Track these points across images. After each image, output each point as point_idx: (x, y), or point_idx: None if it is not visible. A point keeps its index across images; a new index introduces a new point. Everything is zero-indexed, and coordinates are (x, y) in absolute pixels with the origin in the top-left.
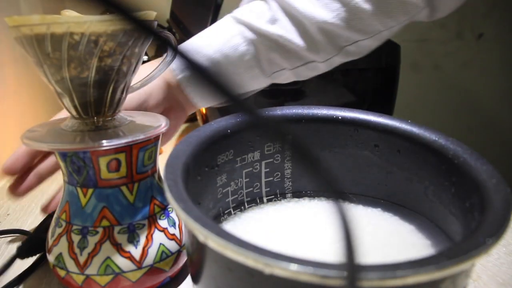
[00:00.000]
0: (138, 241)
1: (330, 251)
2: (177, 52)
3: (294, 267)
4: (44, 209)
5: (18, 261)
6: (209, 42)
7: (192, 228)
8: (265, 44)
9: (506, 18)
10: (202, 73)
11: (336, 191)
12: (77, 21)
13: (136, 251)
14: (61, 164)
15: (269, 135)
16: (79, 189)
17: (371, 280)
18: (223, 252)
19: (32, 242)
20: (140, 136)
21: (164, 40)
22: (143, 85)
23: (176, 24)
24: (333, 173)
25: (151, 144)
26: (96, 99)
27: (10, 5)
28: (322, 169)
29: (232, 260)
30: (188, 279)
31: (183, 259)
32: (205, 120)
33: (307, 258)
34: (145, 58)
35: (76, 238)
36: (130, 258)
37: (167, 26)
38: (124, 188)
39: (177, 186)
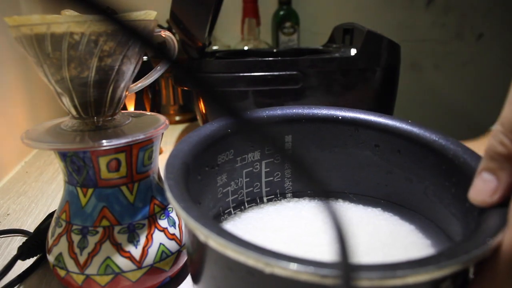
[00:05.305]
0: (138, 241)
1: (330, 251)
2: (172, 57)
3: (295, 266)
4: None
5: (18, 261)
6: None
7: (193, 227)
8: None
9: (506, 18)
10: (194, 77)
11: (326, 195)
12: (77, 21)
13: (136, 251)
14: (61, 164)
15: (259, 140)
16: (79, 189)
17: (371, 279)
18: (223, 251)
19: (33, 242)
20: (140, 136)
21: (158, 49)
22: (143, 86)
23: (176, 24)
24: (323, 176)
25: (151, 144)
26: (96, 99)
27: (10, 5)
28: (313, 173)
29: (233, 260)
30: (188, 279)
31: (183, 259)
32: (205, 120)
33: (307, 258)
34: (145, 58)
35: (76, 238)
36: (130, 258)
37: (167, 26)
38: (124, 188)
39: (177, 186)
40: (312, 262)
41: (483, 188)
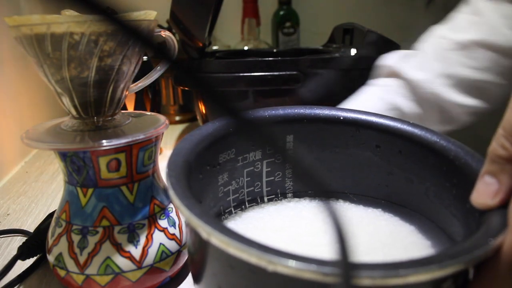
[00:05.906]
0: (138, 241)
1: (330, 251)
2: (172, 57)
3: (297, 264)
4: None
5: (18, 261)
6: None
7: (195, 225)
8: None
9: None
10: (194, 77)
11: (327, 195)
12: (77, 21)
13: (136, 251)
14: (61, 164)
15: (260, 140)
16: (79, 189)
17: (373, 278)
18: (226, 249)
19: (33, 242)
20: (140, 136)
21: (158, 49)
22: (143, 86)
23: (176, 24)
24: (324, 176)
25: (151, 144)
26: (96, 99)
27: (10, 5)
28: (313, 173)
29: (235, 258)
30: (188, 278)
31: (183, 259)
32: (205, 120)
33: (310, 256)
34: (145, 58)
35: (76, 238)
36: (130, 258)
37: (167, 26)
38: (124, 188)
39: (179, 184)
40: (315, 260)
41: (485, 191)
